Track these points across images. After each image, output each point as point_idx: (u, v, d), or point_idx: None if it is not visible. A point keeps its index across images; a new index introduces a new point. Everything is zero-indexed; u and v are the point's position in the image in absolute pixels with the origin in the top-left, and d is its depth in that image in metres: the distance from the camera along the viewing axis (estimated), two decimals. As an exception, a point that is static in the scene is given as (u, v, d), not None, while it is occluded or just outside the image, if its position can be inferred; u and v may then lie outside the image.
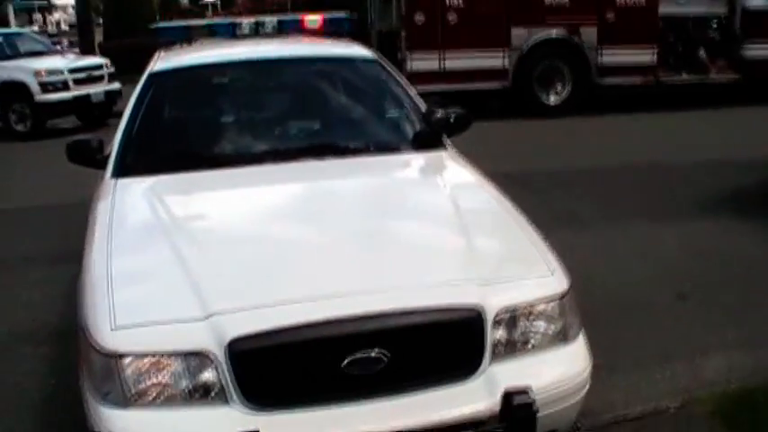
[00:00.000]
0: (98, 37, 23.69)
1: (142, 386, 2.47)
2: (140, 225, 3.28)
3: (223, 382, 2.45)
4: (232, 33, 4.92)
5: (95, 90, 13.41)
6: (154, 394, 2.47)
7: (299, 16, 5.10)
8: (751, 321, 4.41)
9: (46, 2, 44.41)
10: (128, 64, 16.14)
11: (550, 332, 2.77)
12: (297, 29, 5.01)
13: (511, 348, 2.69)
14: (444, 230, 3.17)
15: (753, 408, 3.38)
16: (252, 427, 2.37)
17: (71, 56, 15.86)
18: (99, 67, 13.87)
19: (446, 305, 2.62)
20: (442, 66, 12.19)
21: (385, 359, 2.48)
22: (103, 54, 16.65)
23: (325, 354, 2.49)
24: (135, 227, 3.29)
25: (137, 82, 4.30)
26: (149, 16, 24.31)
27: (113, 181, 3.70)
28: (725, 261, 5.42)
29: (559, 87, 12.82)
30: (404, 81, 4.61)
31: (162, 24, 5.19)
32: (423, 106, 4.37)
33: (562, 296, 2.79)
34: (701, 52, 13.11)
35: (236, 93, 4.50)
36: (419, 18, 12.17)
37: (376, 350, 2.47)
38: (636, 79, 12.86)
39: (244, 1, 26.14)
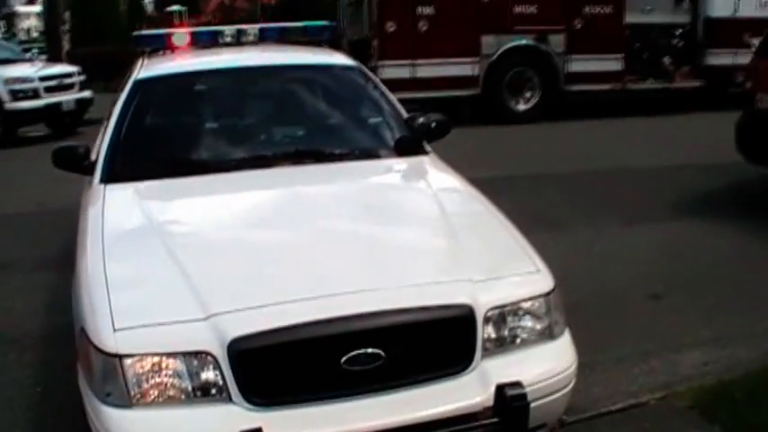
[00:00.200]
0: (65, 44, 23.49)
1: (144, 386, 2.52)
2: (133, 229, 3.31)
3: (224, 381, 2.51)
4: (214, 41, 4.95)
5: (66, 98, 13.30)
6: (156, 394, 2.53)
7: (279, 25, 5.15)
8: (724, 319, 4.56)
9: (9, 10, 43.87)
10: (95, 72, 16.10)
11: (538, 329, 2.88)
12: (278, 38, 5.06)
13: (500, 345, 2.80)
14: (434, 232, 3.27)
15: (729, 400, 3.51)
16: (255, 425, 2.43)
17: (39, 63, 15.72)
18: (70, 75, 13.76)
19: (439, 303, 2.71)
20: (413, 73, 12.30)
21: (382, 356, 2.56)
22: (71, 62, 16.50)
23: (324, 352, 2.56)
24: (128, 231, 3.33)
25: (109, 90, 4.32)
26: (116, 24, 24.20)
27: (102, 186, 3.73)
28: (697, 262, 5.59)
29: (529, 94, 13.02)
30: (384, 88, 4.70)
31: (144, 32, 5.20)
32: (404, 113, 4.47)
33: (548, 294, 2.91)
34: (666, 60, 13.45)
35: (222, 100, 4.55)
36: (390, 26, 12.29)
37: (372, 348, 2.56)
38: (603, 86, 13.13)
39: (212, 9, 26.17)
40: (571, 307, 3.11)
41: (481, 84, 12.66)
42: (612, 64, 12.97)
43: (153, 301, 2.73)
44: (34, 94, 12.84)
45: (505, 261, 3.08)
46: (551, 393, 2.78)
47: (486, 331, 2.75)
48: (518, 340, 2.84)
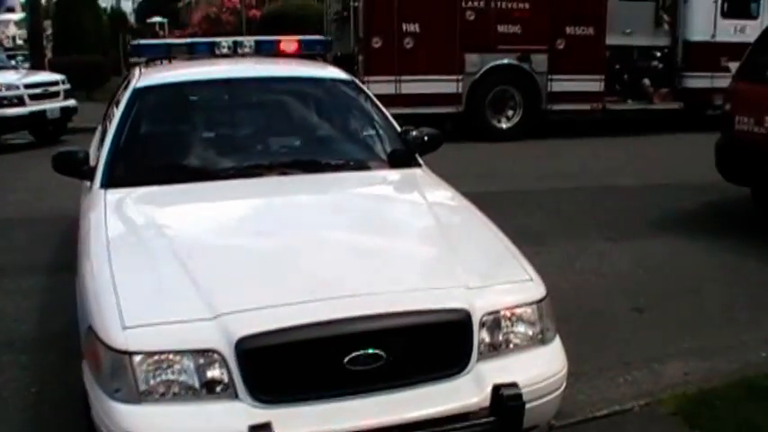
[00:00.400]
0: (47, 53, 23.43)
1: (153, 382, 2.59)
2: (137, 231, 3.39)
3: (231, 378, 2.59)
4: (211, 52, 5.05)
5: (51, 106, 13.29)
6: (164, 390, 2.60)
7: (275, 38, 5.26)
8: (704, 331, 4.71)
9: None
10: (77, 81, 16.07)
11: (530, 334, 3.00)
12: (274, 51, 5.18)
13: (495, 348, 2.91)
14: (431, 240, 3.40)
15: (711, 407, 3.65)
16: (261, 421, 2.51)
17: (23, 71, 15.71)
18: (55, 83, 13.76)
19: (437, 308, 2.83)
20: (397, 89, 12.43)
21: (383, 357, 2.66)
22: (53, 70, 16.49)
23: (327, 352, 2.66)
24: (132, 233, 3.39)
25: (92, 99, 4.40)
26: (98, 35, 24.14)
27: (103, 191, 3.79)
28: (678, 277, 5.75)
29: (511, 112, 13.23)
30: (378, 102, 4.82)
31: (143, 42, 5.27)
32: (397, 126, 4.59)
33: (540, 301, 3.03)
34: (646, 81, 13.74)
35: (219, 109, 4.66)
36: (376, 42, 12.43)
37: (374, 349, 2.65)
38: (584, 106, 13.37)
39: (199, 21, 26.27)
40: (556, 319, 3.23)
41: (464, 101, 12.84)
42: (593, 85, 13.22)
43: (160, 301, 2.80)
44: (19, 102, 12.82)
45: (499, 269, 3.20)
46: (544, 395, 2.89)
47: (481, 335, 2.86)
48: (511, 345, 2.95)
